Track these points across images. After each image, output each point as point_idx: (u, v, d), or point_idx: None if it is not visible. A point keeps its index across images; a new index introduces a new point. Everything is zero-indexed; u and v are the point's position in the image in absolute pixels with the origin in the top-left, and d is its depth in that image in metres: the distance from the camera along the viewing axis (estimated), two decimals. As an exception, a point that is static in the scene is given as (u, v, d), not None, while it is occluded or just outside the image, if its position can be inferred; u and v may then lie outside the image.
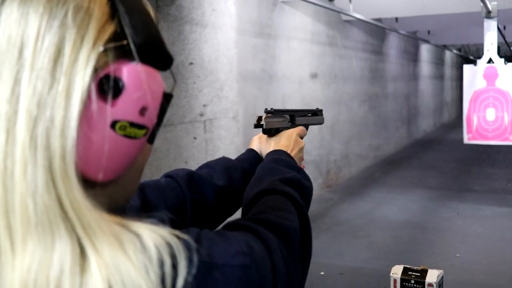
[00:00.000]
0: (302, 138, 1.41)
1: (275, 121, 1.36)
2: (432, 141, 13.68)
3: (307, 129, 1.48)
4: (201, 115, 4.81)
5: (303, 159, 1.36)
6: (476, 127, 6.43)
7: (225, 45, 5.16)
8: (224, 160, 1.32)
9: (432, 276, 1.49)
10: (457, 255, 5.07)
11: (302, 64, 7.02)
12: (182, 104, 4.57)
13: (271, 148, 1.30)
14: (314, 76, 7.38)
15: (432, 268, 1.55)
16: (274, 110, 1.36)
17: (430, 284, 1.46)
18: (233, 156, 4.89)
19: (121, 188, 0.69)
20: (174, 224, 0.66)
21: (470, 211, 6.58)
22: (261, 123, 1.33)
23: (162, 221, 0.64)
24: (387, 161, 10.43)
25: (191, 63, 4.67)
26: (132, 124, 0.62)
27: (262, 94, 6.02)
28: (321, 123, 1.57)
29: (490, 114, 6.36)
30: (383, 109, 10.78)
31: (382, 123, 10.76)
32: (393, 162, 10.29)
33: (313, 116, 1.54)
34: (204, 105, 4.86)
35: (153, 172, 4.23)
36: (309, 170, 7.21)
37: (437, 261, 4.94)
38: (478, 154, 10.61)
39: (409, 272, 1.51)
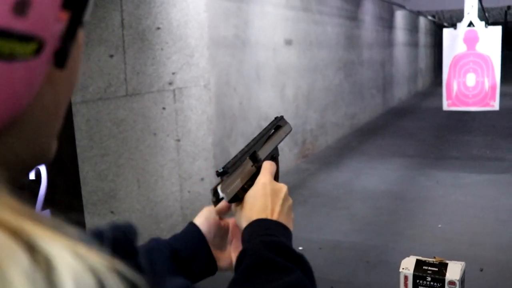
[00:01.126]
0: (276, 175, 1.07)
1: (235, 180, 0.98)
2: (408, 109, 13.55)
3: (277, 156, 1.13)
4: (170, 83, 4.51)
5: (291, 209, 1.01)
6: (456, 93, 6.24)
7: (194, 9, 4.83)
8: (150, 241, 0.99)
9: (454, 271, 1.18)
10: (439, 225, 4.91)
11: (276, 30, 6.72)
12: (149, 72, 4.26)
13: (245, 221, 0.95)
14: (288, 42, 7.09)
15: (450, 259, 1.26)
16: (225, 167, 0.98)
17: (452, 282, 1.18)
18: (204, 126, 4.54)
19: (22, 145, 0.40)
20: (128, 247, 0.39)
21: (450, 179, 6.43)
22: (220, 196, 0.95)
23: (98, 237, 0.36)
24: (363, 129, 10.25)
25: (158, 28, 4.34)
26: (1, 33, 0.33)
27: (235, 61, 5.72)
28: (289, 131, 1.22)
29: (470, 79, 6.17)
30: (358, 76, 10.56)
31: (358, 91, 10.55)
32: (370, 131, 10.11)
33: (277, 131, 1.16)
34: (173, 73, 4.55)
35: (119, 146, 3.94)
36: (284, 140, 6.98)
37: (419, 232, 4.78)
38: (454, 121, 10.49)
39: (424, 267, 1.19)
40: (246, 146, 1.07)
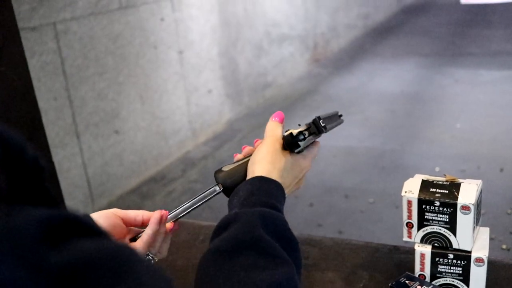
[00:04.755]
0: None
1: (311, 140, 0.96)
2: (423, 5, 12.98)
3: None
4: (167, -8, 4.24)
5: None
6: (475, -15, 5.86)
7: None
8: None
9: (468, 193, 0.99)
10: (458, 125, 4.74)
11: None
12: (144, -19, 3.99)
13: (259, 169, 0.86)
14: None
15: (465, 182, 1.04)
16: (326, 124, 0.95)
17: (465, 207, 0.98)
18: (208, 36, 4.27)
19: None
20: None
21: (469, 77, 6.18)
22: (300, 141, 0.90)
23: None
24: (377, 30, 9.86)
25: None
26: None
27: (237, -36, 5.38)
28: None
29: (490, -32, 5.77)
30: (370, -26, 10.03)
31: (371, -11, 10.06)
32: (384, 31, 9.73)
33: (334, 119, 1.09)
34: (170, -19, 4.27)
35: (117, 62, 3.76)
36: (295, 46, 6.73)
37: (437, 134, 4.62)
38: (473, 15, 10.03)
39: (431, 189, 1.02)
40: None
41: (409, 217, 1.04)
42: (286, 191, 0.86)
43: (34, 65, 3.11)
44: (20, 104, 1.14)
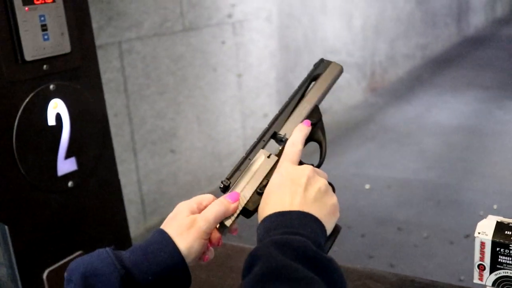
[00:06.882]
0: (321, 142, 0.94)
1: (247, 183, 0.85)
2: (485, 37, 12.75)
3: (317, 121, 0.93)
4: (229, 16, 4.31)
5: (325, 192, 0.81)
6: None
7: None
8: (93, 258, 0.77)
9: None
10: (518, 163, 4.60)
11: (342, -44, 6.30)
12: (207, 4, 4.06)
13: (259, 219, 0.80)
14: (356, -31, 6.67)
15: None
16: (226, 181, 0.84)
17: None
18: (267, 60, 4.29)
19: None
20: None
21: (531, 113, 6.01)
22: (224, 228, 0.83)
23: None
24: (436, 60, 9.72)
25: (216, -43, 4.11)
26: None
27: (298, -9, 5.42)
28: (338, 73, 0.96)
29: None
30: (431, 4, 9.93)
31: (430, 20, 9.95)
32: (443, 62, 9.58)
33: (318, 77, 0.93)
34: (233, 5, 4.34)
35: (177, 83, 3.82)
36: (352, 73, 6.71)
37: (495, 170, 4.49)
38: (536, 49, 9.78)
39: (507, 231, 0.98)
40: (263, 131, 0.89)
41: (481, 259, 1.01)
42: (295, 206, 0.77)
43: (98, 82, 3.19)
44: (93, 122, 1.17)
